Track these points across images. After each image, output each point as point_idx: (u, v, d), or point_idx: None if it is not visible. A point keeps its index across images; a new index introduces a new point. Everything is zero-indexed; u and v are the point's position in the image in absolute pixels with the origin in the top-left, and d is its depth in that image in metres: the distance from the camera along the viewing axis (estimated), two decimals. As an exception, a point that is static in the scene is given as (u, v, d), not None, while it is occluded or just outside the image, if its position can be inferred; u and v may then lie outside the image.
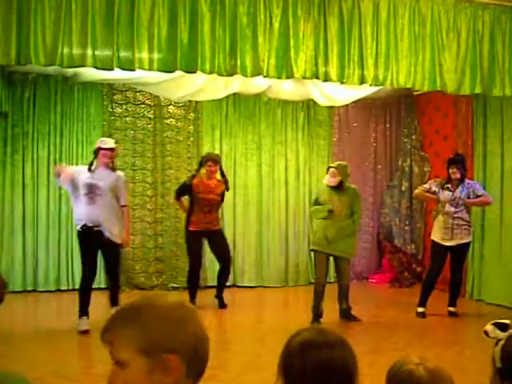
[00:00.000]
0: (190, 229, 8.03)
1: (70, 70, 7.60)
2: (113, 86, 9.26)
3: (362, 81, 6.65)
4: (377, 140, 10.77)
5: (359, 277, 10.47)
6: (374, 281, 10.41)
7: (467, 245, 7.68)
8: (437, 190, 7.61)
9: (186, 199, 8.28)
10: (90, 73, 7.57)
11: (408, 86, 6.95)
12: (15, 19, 5.41)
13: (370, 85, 6.88)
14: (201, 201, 7.99)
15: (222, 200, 8.33)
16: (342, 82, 6.67)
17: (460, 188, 7.50)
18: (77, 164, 9.07)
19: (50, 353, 5.44)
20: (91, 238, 6.71)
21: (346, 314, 7.39)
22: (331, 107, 9.95)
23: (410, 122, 10.61)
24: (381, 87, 7.71)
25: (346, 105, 9.83)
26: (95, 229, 6.67)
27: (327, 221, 7.14)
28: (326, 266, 7.27)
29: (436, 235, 7.64)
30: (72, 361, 5.57)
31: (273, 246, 10.03)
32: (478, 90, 7.06)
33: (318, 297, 7.16)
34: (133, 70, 5.94)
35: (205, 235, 8.12)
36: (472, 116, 8.93)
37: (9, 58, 5.44)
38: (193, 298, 7.97)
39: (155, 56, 5.89)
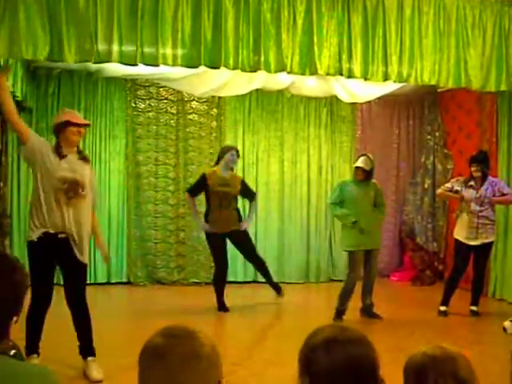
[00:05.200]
0: (210, 231, 7.71)
1: (94, 66, 7.65)
2: (136, 82, 9.31)
3: (386, 78, 6.63)
4: (400, 137, 10.71)
5: (380, 274, 10.41)
6: (395, 278, 10.35)
7: (491, 244, 7.61)
8: (459, 188, 7.53)
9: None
10: (113, 68, 7.62)
11: (432, 83, 6.90)
12: (43, 16, 5.47)
13: (394, 81, 6.85)
14: (217, 194, 7.63)
15: (244, 195, 8.06)
16: (365, 79, 6.65)
17: (485, 186, 7.42)
18: (101, 161, 9.14)
19: (69, 346, 5.49)
20: (51, 250, 4.95)
21: (369, 311, 7.36)
22: (354, 104, 9.91)
23: (434, 119, 10.53)
24: (404, 84, 7.66)
25: (369, 101, 9.78)
26: (60, 236, 4.93)
27: (359, 221, 7.13)
28: (361, 264, 7.27)
29: (460, 234, 7.56)
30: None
31: (294, 243, 10.02)
32: (503, 87, 7.00)
33: (349, 294, 7.14)
34: (156, 65, 5.98)
35: (226, 236, 7.81)
36: (496, 113, 8.84)
37: (37, 54, 5.50)
38: (220, 295, 7.73)
39: (179, 52, 5.92)
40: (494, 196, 7.42)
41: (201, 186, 7.80)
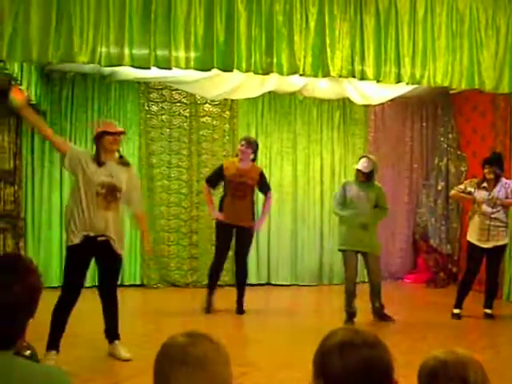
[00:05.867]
0: (221, 219, 7.61)
1: (107, 69, 7.69)
2: (149, 85, 9.35)
3: (399, 79, 6.62)
4: (413, 139, 10.68)
5: (394, 277, 10.40)
6: (409, 281, 10.32)
7: (504, 247, 7.55)
8: (472, 190, 7.50)
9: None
10: (126, 71, 7.64)
11: (445, 85, 6.88)
12: (54, 18, 5.50)
13: (407, 83, 6.83)
14: (231, 183, 7.60)
15: (261, 187, 7.88)
16: (378, 81, 6.64)
17: (497, 188, 7.38)
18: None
19: (82, 348, 5.52)
20: (90, 252, 5.36)
21: (379, 314, 7.33)
22: (367, 106, 9.89)
23: (447, 120, 10.49)
24: (417, 86, 7.63)
25: (382, 103, 9.76)
26: (99, 239, 5.33)
27: (354, 221, 7.12)
28: (355, 264, 7.23)
29: (472, 236, 7.52)
30: (106, 357, 5.61)
31: (307, 245, 10.01)
32: (516, 89, 6.97)
33: (350, 295, 7.13)
34: (169, 68, 5.99)
35: (234, 228, 7.67)
36: (510, 115, 8.79)
37: (47, 56, 5.53)
38: (210, 294, 7.68)
39: (192, 55, 5.94)
40: (506, 198, 7.37)
41: (217, 175, 7.82)
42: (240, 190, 7.61)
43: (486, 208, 7.36)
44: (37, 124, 5.52)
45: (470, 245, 7.56)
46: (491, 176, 7.38)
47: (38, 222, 8.88)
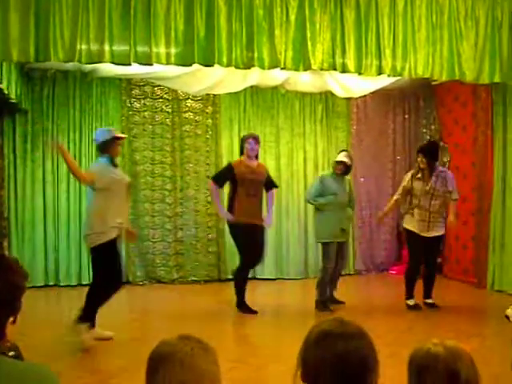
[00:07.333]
0: (234, 221, 7.35)
1: (88, 66, 7.65)
2: (131, 81, 9.31)
3: (380, 72, 6.65)
4: (395, 131, 10.70)
5: (379, 268, 10.44)
6: (393, 272, 10.36)
7: (441, 237, 7.58)
8: (406, 184, 7.48)
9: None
10: (108, 68, 7.61)
11: (426, 76, 6.92)
12: (33, 16, 5.47)
13: (388, 75, 6.87)
14: (244, 182, 7.33)
15: (268, 186, 7.74)
16: (359, 73, 6.67)
17: (433, 178, 7.34)
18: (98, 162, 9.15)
19: (71, 346, 5.50)
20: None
21: (332, 298, 7.76)
22: (349, 99, 9.90)
23: (429, 112, 10.54)
24: (399, 78, 7.66)
25: (365, 96, 9.76)
26: (122, 226, 6.03)
27: (337, 212, 7.48)
28: (335, 255, 7.55)
29: (412, 226, 7.48)
30: (94, 354, 5.61)
31: (292, 239, 10.02)
32: (497, 79, 7.01)
33: (327, 284, 7.55)
34: (150, 64, 5.98)
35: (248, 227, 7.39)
36: (492, 105, 8.83)
37: (27, 55, 5.50)
38: (242, 298, 7.41)
39: (172, 50, 5.94)
40: (445, 187, 7.32)
41: (227, 174, 7.50)
42: (253, 188, 7.44)
43: (424, 201, 7.33)
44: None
45: (412, 234, 7.50)
46: (424, 165, 7.34)
47: (22, 222, 8.83)
